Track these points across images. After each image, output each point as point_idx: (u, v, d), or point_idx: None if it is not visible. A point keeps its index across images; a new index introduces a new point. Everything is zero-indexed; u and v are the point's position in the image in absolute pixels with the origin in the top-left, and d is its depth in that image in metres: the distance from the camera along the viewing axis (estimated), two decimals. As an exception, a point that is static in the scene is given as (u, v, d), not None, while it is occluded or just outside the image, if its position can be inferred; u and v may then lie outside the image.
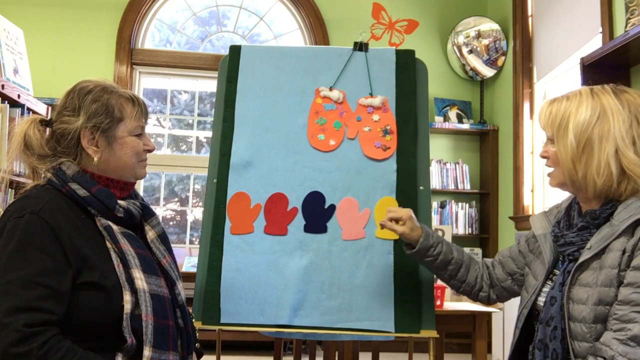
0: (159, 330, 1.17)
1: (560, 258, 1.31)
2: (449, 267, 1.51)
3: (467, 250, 1.58)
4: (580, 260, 1.21)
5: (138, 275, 1.18)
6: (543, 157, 1.34)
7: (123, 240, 1.20)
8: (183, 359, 1.28)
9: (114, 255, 1.18)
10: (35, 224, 1.12)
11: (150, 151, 1.35)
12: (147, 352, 1.14)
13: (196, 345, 1.40)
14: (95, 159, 1.24)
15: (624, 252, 1.16)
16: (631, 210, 1.18)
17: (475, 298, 1.54)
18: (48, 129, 1.28)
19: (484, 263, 1.56)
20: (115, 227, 1.21)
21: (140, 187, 4.62)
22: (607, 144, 1.20)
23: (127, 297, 1.15)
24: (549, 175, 1.34)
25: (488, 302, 1.54)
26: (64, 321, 1.09)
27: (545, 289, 1.30)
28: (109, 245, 1.19)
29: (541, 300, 1.29)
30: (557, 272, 1.30)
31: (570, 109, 1.26)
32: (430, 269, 1.56)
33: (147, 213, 1.34)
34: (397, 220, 1.51)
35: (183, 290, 1.33)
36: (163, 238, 1.35)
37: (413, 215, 1.51)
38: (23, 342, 1.02)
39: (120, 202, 1.25)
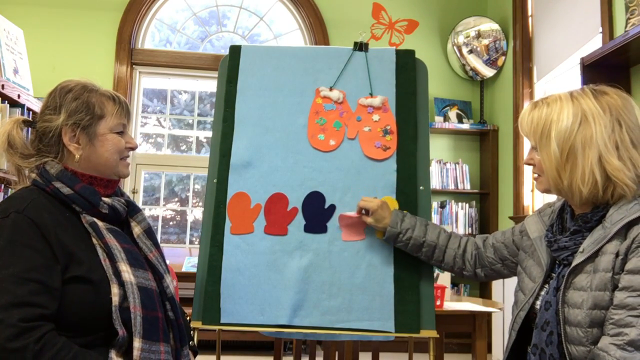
0: (147, 321, 1.18)
1: (557, 262, 1.30)
2: (422, 250, 1.59)
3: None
4: (574, 264, 1.20)
5: (125, 269, 1.19)
6: (528, 164, 1.33)
7: (109, 236, 1.22)
8: (176, 350, 1.28)
9: (100, 251, 1.20)
10: (21, 222, 1.13)
11: (132, 149, 1.36)
12: (137, 343, 1.15)
13: (190, 343, 1.40)
14: (77, 156, 1.27)
15: (617, 255, 1.14)
16: (623, 212, 1.17)
17: (460, 276, 1.62)
18: (33, 130, 1.30)
19: (474, 243, 1.58)
20: (100, 224, 1.23)
21: (140, 187, 4.62)
22: (591, 152, 1.19)
23: (115, 290, 1.16)
24: (535, 180, 1.34)
25: (475, 279, 1.60)
26: (56, 318, 1.10)
27: (543, 293, 1.29)
28: (95, 241, 1.21)
29: (539, 303, 1.28)
30: (554, 275, 1.29)
31: (551, 115, 1.24)
32: (407, 252, 1.64)
33: (132, 209, 1.35)
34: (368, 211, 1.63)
35: (172, 283, 1.34)
36: (149, 233, 1.36)
37: (385, 205, 1.62)
38: (19, 337, 1.03)
39: (104, 199, 1.27)
